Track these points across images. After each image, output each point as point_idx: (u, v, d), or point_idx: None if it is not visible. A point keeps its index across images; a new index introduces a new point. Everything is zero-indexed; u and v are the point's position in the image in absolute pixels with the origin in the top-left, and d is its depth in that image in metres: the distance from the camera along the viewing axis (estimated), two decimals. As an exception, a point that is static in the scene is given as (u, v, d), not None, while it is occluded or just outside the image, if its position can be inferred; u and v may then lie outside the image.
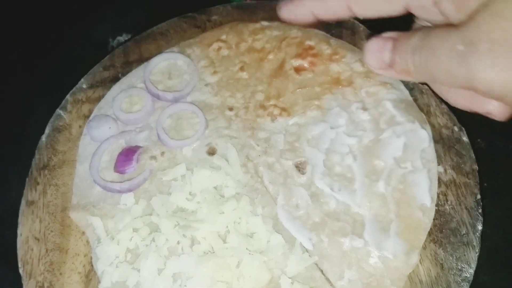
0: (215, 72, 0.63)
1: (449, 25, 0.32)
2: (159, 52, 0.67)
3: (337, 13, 0.38)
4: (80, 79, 0.71)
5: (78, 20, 0.87)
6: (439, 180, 0.54)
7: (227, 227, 0.51)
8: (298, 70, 0.61)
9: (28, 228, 0.56)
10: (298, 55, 0.62)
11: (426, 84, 0.41)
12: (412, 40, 0.34)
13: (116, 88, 0.64)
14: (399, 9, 0.36)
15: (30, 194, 0.58)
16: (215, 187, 0.54)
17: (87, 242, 0.54)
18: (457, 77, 0.30)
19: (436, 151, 0.55)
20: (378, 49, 0.36)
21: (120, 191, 0.55)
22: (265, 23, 0.66)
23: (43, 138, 0.62)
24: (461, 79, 0.30)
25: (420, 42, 0.33)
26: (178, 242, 0.51)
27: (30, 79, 0.80)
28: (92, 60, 0.81)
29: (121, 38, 0.84)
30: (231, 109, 0.61)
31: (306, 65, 0.62)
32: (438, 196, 0.53)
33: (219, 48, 0.65)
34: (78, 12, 0.88)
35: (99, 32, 0.85)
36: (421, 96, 0.60)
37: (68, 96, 0.65)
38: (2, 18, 0.88)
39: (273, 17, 0.67)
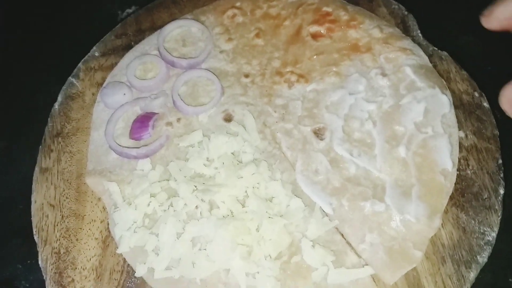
0: (230, 39, 0.62)
1: None
2: (172, 20, 0.65)
3: None
4: (87, 49, 0.70)
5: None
6: (460, 145, 0.53)
7: (245, 191, 0.50)
8: (315, 36, 0.60)
9: (42, 195, 0.55)
10: (315, 21, 0.61)
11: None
12: None
13: (129, 55, 0.62)
14: None
15: (44, 161, 0.57)
16: (232, 153, 0.53)
17: (104, 208, 0.53)
18: None
19: (457, 116, 0.54)
20: None
21: (137, 157, 0.54)
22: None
23: (56, 105, 0.61)
24: None
25: None
26: (197, 207, 0.50)
27: (40, 50, 0.79)
28: (101, 31, 0.80)
29: (130, 10, 0.83)
30: (247, 76, 0.59)
31: (323, 31, 0.60)
32: (459, 161, 0.52)
33: (234, 15, 0.63)
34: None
35: (108, 4, 0.84)
36: (440, 62, 0.58)
37: (80, 64, 0.64)
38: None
39: None
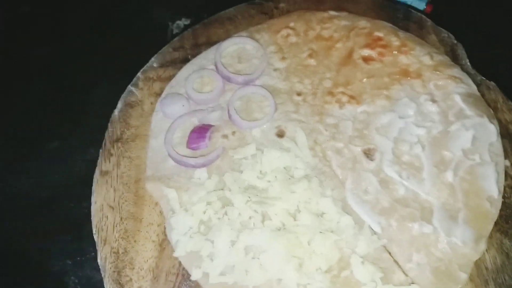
0: (283, 58, 0.65)
1: None
2: (227, 36, 0.68)
3: None
4: (141, 60, 0.74)
5: (139, 3, 0.90)
6: (506, 174, 0.55)
7: (297, 206, 0.53)
8: (366, 59, 0.63)
9: (102, 197, 0.58)
10: (367, 45, 0.63)
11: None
12: None
13: (187, 68, 0.65)
14: None
15: (104, 164, 0.60)
16: (285, 168, 0.56)
17: (160, 212, 0.56)
18: None
19: (503, 145, 0.56)
20: None
21: (195, 166, 0.57)
22: (333, 12, 0.67)
23: (116, 112, 0.64)
24: None
25: None
26: (250, 217, 0.53)
27: (92, 58, 0.83)
28: (153, 42, 0.84)
29: (181, 23, 0.87)
30: (299, 94, 0.62)
31: (374, 55, 0.63)
32: (504, 189, 0.54)
33: (288, 35, 0.66)
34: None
35: (159, 15, 0.88)
36: (488, 92, 0.60)
37: (139, 74, 0.67)
38: (67, 3, 0.91)
39: (340, 7, 0.69)
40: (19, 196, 0.70)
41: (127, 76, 0.73)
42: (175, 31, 0.85)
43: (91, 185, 0.61)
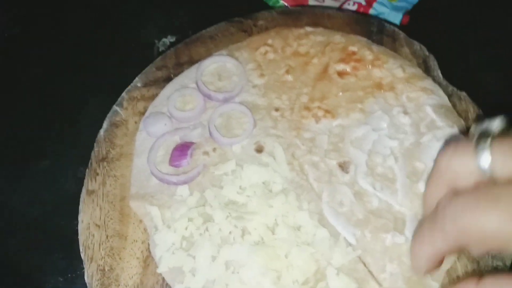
0: (262, 75, 0.66)
1: None
2: (208, 54, 0.70)
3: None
4: (128, 77, 0.75)
5: (125, 20, 0.91)
6: (477, 183, 0.56)
7: (275, 219, 0.54)
8: (341, 74, 0.64)
9: (89, 215, 0.60)
10: (342, 60, 0.65)
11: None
12: None
13: (169, 87, 0.67)
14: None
15: (90, 184, 0.62)
16: (263, 182, 0.58)
17: (145, 229, 0.58)
18: None
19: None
20: None
21: (176, 183, 0.59)
22: (309, 28, 0.69)
23: (101, 132, 0.66)
24: None
25: None
26: (230, 232, 0.54)
27: (80, 76, 0.85)
28: (139, 59, 0.85)
29: (166, 40, 0.88)
30: (277, 110, 0.64)
31: (349, 69, 0.64)
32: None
33: (266, 52, 0.68)
34: (125, 13, 0.92)
35: (145, 33, 0.90)
36: (459, 102, 0.62)
37: (124, 94, 0.69)
38: (54, 19, 0.93)
39: (317, 23, 0.71)
40: (11, 214, 0.72)
41: (115, 94, 0.75)
42: (161, 48, 0.87)
43: (81, 203, 0.62)
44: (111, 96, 0.77)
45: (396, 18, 0.78)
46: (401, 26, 0.76)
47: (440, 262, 0.42)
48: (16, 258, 0.69)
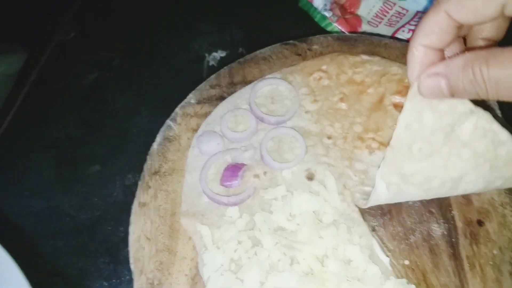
0: (315, 101, 0.65)
1: None
2: (261, 75, 0.70)
3: (441, 27, 0.39)
4: (178, 89, 0.76)
5: (177, 33, 0.92)
6: None
7: (325, 251, 0.53)
8: (397, 106, 0.62)
9: (140, 228, 0.60)
10: (398, 92, 0.63)
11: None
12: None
13: (222, 106, 0.67)
14: (496, 10, 0.36)
15: (142, 196, 0.62)
16: (313, 212, 0.56)
17: (194, 247, 0.58)
18: None
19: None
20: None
21: (227, 204, 0.58)
22: (365, 57, 0.67)
23: (155, 145, 0.66)
24: None
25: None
26: (279, 260, 0.54)
27: (132, 85, 0.86)
28: (190, 72, 0.86)
29: (217, 55, 0.88)
30: (329, 137, 0.62)
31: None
32: None
33: (320, 78, 0.67)
34: (177, 25, 0.93)
35: (196, 46, 0.90)
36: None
37: (177, 109, 0.69)
38: (109, 26, 0.94)
39: (373, 51, 0.69)
40: (60, 217, 0.73)
41: (164, 105, 0.75)
42: (211, 62, 0.87)
43: (128, 210, 0.63)
44: (160, 107, 0.77)
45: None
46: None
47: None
48: (63, 260, 0.69)
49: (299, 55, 0.72)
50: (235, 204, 0.58)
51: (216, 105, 0.68)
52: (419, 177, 0.47)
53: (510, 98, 0.35)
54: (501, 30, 0.41)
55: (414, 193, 0.49)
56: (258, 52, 0.73)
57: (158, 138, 0.67)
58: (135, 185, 0.72)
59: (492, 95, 0.36)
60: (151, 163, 0.65)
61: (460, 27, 0.39)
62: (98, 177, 0.76)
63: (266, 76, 0.69)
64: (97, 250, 0.70)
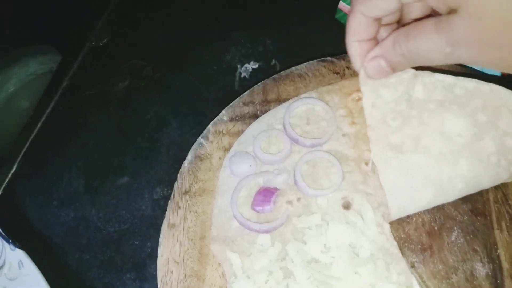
0: (353, 123, 0.62)
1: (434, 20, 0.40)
2: (297, 94, 0.66)
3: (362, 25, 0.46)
4: (208, 101, 0.73)
5: (209, 42, 0.89)
6: None
7: (361, 288, 0.50)
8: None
9: (168, 250, 0.58)
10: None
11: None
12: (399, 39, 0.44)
13: (255, 126, 0.64)
14: (394, 2, 0.43)
15: (172, 216, 0.60)
16: (349, 244, 0.53)
17: (223, 274, 0.55)
18: (444, 61, 0.41)
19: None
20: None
21: (258, 231, 0.56)
22: (407, 78, 0.63)
23: (186, 163, 0.64)
24: (447, 61, 0.41)
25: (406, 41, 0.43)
26: (312, 294, 0.51)
27: (163, 95, 0.84)
28: (221, 83, 0.83)
29: (249, 66, 0.85)
30: (367, 163, 0.59)
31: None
32: None
33: (359, 99, 0.63)
34: (210, 34, 0.90)
35: (228, 57, 0.87)
36: None
37: (210, 126, 0.66)
38: (141, 34, 0.92)
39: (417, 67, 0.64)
40: (88, 229, 0.72)
41: (195, 118, 0.73)
42: (243, 74, 0.84)
43: (155, 225, 0.61)
44: (191, 119, 0.75)
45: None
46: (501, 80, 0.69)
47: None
48: (89, 274, 0.68)
49: (337, 73, 0.68)
50: (267, 231, 0.55)
51: (249, 123, 0.65)
52: (408, 142, 0.52)
53: (433, 63, 0.42)
54: (424, 10, 0.46)
55: (418, 160, 0.52)
56: (293, 68, 0.70)
57: (189, 156, 0.65)
58: (163, 199, 0.71)
59: (419, 63, 0.44)
60: (181, 182, 0.63)
61: (378, 19, 0.46)
62: (126, 189, 0.75)
63: (302, 95, 0.65)
64: (124, 265, 0.69)
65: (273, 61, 0.84)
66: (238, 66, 0.85)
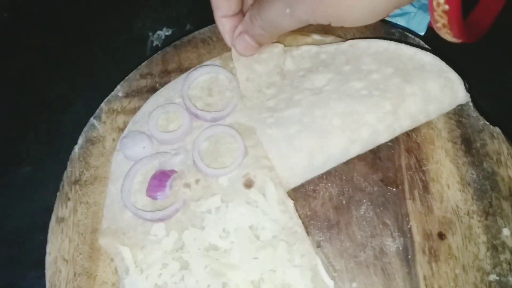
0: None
1: None
2: (199, 61, 0.58)
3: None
4: (117, 75, 0.64)
5: (116, 10, 0.79)
6: (504, 245, 0.45)
7: (261, 275, 0.45)
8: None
9: (57, 247, 0.51)
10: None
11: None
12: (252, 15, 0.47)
13: (152, 101, 0.56)
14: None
15: (60, 210, 0.53)
16: (249, 227, 0.47)
17: (116, 270, 0.49)
18: (291, 24, 0.45)
19: (505, 208, 0.46)
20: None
21: (151, 220, 0.49)
22: (317, 36, 0.56)
23: (76, 149, 0.56)
24: (294, 24, 0.45)
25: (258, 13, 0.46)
26: (209, 286, 0.45)
27: (67, 71, 0.74)
28: (132, 54, 0.74)
29: (162, 33, 0.76)
30: (273, 135, 0.52)
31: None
32: (501, 264, 0.44)
33: (265, 64, 0.56)
34: (120, 2, 0.80)
35: (138, 24, 0.77)
36: (491, 141, 0.49)
37: (103, 105, 0.58)
38: (43, 7, 0.81)
39: (326, 29, 0.57)
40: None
41: (104, 94, 0.64)
42: (156, 42, 0.75)
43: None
44: (99, 96, 0.67)
45: (423, 21, 0.64)
46: (430, 30, 0.62)
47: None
48: (-10, 274, 0.62)
49: (244, 35, 0.60)
50: (160, 220, 0.49)
51: (147, 98, 0.57)
52: (282, 103, 0.52)
53: (285, 29, 0.46)
54: None
55: (291, 113, 0.51)
56: (196, 33, 0.61)
57: (80, 140, 0.57)
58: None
59: (276, 31, 0.47)
60: (71, 170, 0.55)
61: None
62: (28, 179, 0.67)
63: (204, 63, 0.57)
64: (27, 262, 0.62)
65: (188, 26, 0.76)
66: (150, 33, 0.76)
